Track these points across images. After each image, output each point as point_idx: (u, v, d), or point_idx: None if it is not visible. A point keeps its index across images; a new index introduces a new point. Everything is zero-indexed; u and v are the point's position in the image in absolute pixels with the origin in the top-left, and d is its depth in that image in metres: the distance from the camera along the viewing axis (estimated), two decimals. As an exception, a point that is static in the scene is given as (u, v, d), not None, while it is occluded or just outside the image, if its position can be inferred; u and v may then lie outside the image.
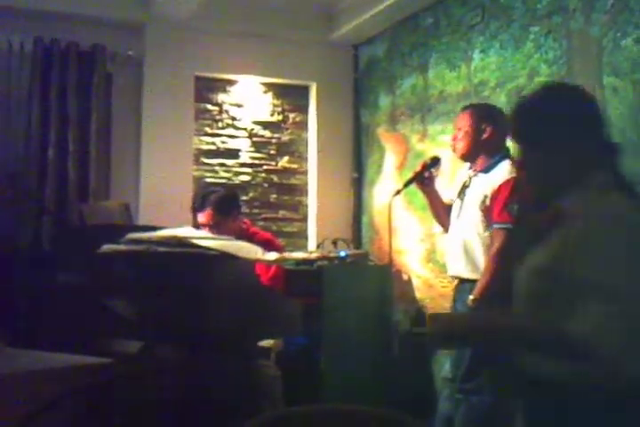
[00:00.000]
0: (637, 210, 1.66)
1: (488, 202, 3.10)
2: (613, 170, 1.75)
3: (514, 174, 3.06)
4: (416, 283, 4.58)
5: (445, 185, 3.99)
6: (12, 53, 4.57)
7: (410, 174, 3.50)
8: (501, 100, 3.81)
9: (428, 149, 4.41)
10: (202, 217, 3.83)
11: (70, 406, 2.14)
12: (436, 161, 3.41)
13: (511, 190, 3.03)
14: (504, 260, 3.02)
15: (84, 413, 2.23)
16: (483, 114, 3.27)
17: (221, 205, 3.83)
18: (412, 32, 4.72)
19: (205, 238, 3.09)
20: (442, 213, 3.43)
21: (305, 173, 5.37)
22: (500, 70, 3.87)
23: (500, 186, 3.07)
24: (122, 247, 2.96)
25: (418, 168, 3.41)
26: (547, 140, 1.74)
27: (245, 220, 4.23)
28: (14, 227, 4.46)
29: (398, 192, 3.49)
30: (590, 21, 3.27)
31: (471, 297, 3.07)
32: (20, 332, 3.57)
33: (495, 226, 3.07)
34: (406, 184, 3.46)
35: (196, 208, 3.88)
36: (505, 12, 3.84)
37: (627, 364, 1.52)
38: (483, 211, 3.13)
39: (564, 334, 1.54)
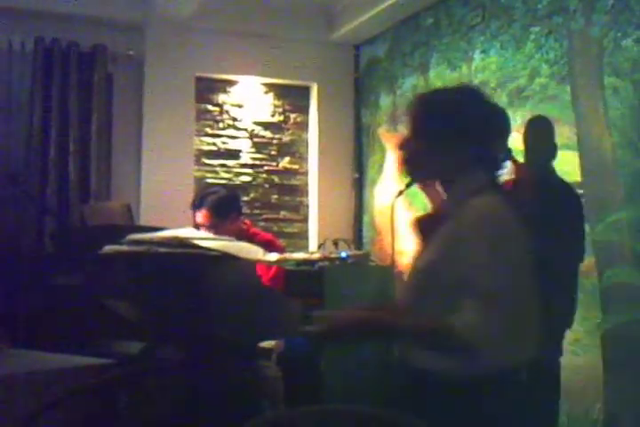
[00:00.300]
0: (508, 210, 1.72)
1: None
2: (492, 173, 1.82)
3: (513, 175, 3.07)
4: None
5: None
6: (13, 53, 4.57)
7: None
8: (502, 101, 3.81)
9: (429, 150, 4.41)
10: (199, 217, 3.82)
11: (71, 406, 2.14)
12: None
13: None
14: None
15: (86, 413, 2.23)
16: None
17: (218, 206, 3.80)
18: (413, 32, 4.72)
19: (206, 239, 3.09)
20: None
21: (306, 173, 5.37)
22: (500, 70, 3.87)
23: None
24: (123, 248, 2.96)
25: None
26: (435, 136, 1.80)
27: (246, 220, 4.22)
28: (15, 227, 4.46)
29: (401, 193, 3.48)
30: (591, 22, 3.27)
31: None
32: (22, 333, 3.57)
33: None
34: (408, 185, 3.45)
35: (195, 206, 3.87)
36: (506, 12, 3.84)
37: (503, 358, 1.63)
38: None
39: (446, 330, 1.62)
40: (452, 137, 1.78)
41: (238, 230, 3.84)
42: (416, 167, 1.88)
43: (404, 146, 1.88)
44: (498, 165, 1.85)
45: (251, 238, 3.65)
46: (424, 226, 1.91)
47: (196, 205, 3.83)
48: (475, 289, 1.63)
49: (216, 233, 3.64)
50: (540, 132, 3.50)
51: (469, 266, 1.65)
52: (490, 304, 1.61)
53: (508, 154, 3.21)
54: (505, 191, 1.80)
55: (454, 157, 1.79)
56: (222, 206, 3.81)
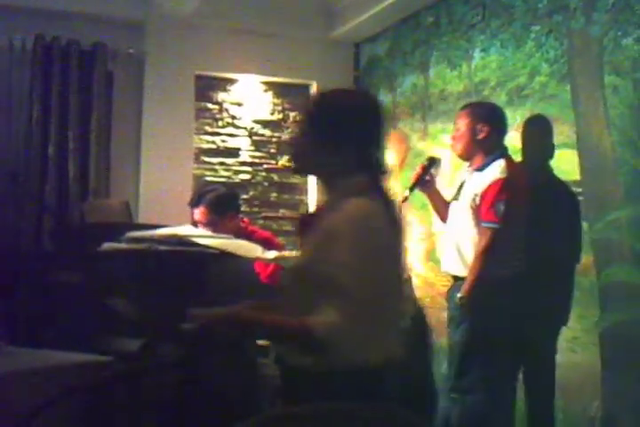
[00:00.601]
0: (378, 212, 1.76)
1: (478, 200, 3.12)
2: (374, 175, 1.85)
3: (505, 174, 3.09)
4: (416, 282, 4.58)
5: (447, 184, 3.99)
6: (13, 51, 4.57)
7: (411, 176, 3.49)
8: (502, 100, 3.81)
9: (429, 148, 4.42)
10: (196, 214, 3.83)
11: (71, 403, 2.15)
12: (433, 162, 3.43)
13: (499, 189, 3.05)
14: (490, 259, 3.04)
15: (85, 410, 2.23)
16: (480, 113, 3.28)
17: (216, 204, 3.81)
18: (414, 30, 4.72)
19: (205, 237, 3.09)
20: (445, 212, 3.43)
21: (305, 171, 5.36)
22: (500, 69, 3.87)
23: (490, 185, 3.09)
24: (122, 246, 2.96)
25: (418, 170, 3.41)
26: (321, 135, 1.85)
27: (244, 219, 4.22)
28: (15, 225, 4.46)
29: (406, 199, 3.49)
30: (591, 20, 3.27)
31: (459, 295, 3.09)
32: (21, 330, 3.57)
33: (482, 225, 3.09)
34: (411, 189, 3.47)
35: (193, 204, 3.87)
36: (506, 10, 3.84)
37: (359, 356, 1.67)
38: (473, 209, 3.15)
39: (303, 329, 1.66)
40: (336, 138, 1.83)
41: (236, 228, 3.84)
42: (301, 163, 1.94)
43: (293, 142, 1.94)
44: (380, 168, 1.89)
45: (249, 236, 3.65)
46: (304, 225, 1.94)
47: (195, 203, 3.84)
48: (332, 288, 1.66)
49: (214, 231, 3.64)
50: (537, 132, 3.50)
51: (330, 265, 1.68)
52: (346, 304, 1.64)
53: (503, 152, 3.23)
54: (383, 194, 1.83)
55: (337, 157, 1.83)
56: (220, 204, 3.82)
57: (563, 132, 3.39)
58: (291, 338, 1.75)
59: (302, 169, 2.01)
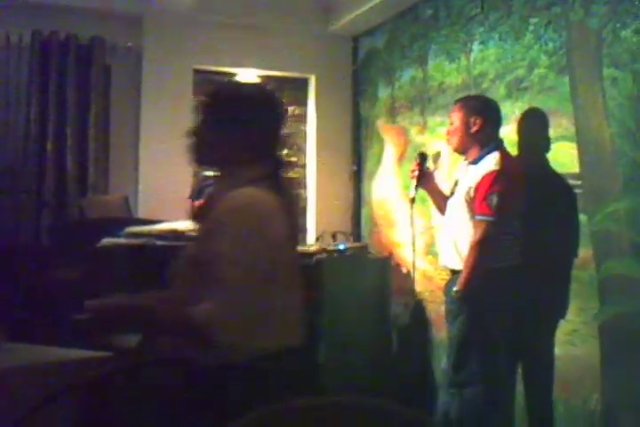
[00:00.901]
0: (266, 202, 1.79)
1: (472, 193, 3.13)
2: (268, 167, 1.89)
3: (498, 166, 3.09)
4: (415, 276, 4.58)
5: (446, 178, 3.99)
6: (11, 46, 4.56)
7: (409, 174, 3.49)
8: (501, 92, 3.80)
9: (428, 142, 4.41)
10: (197, 208, 3.84)
11: (70, 400, 2.14)
12: (423, 157, 3.44)
13: (492, 182, 3.05)
14: (484, 251, 3.04)
15: (84, 407, 2.23)
16: (473, 107, 3.29)
17: None
18: (412, 23, 4.70)
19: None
20: (443, 205, 3.43)
21: (304, 166, 5.36)
22: (499, 62, 3.86)
23: (483, 177, 3.09)
24: (121, 241, 2.96)
25: (414, 169, 3.41)
26: (217, 127, 1.89)
27: None
28: (13, 221, 4.46)
29: (413, 200, 3.48)
30: (590, 12, 3.26)
31: (455, 289, 3.09)
32: (20, 326, 3.56)
33: (476, 217, 3.09)
34: (416, 188, 3.47)
35: (194, 197, 3.89)
36: (504, 3, 3.83)
37: (243, 346, 1.70)
38: (467, 202, 3.15)
39: (185, 319, 1.68)
40: (233, 129, 1.87)
41: None
42: (199, 154, 1.95)
43: (191, 133, 1.95)
44: (276, 160, 1.94)
45: None
46: (199, 215, 1.98)
47: (196, 196, 3.86)
48: (213, 276, 1.68)
49: None
50: (533, 125, 3.50)
51: (213, 255, 1.70)
52: (224, 292, 1.66)
53: (498, 145, 3.24)
54: (278, 185, 1.87)
55: (234, 149, 1.87)
56: None
57: (561, 125, 3.38)
58: (172, 327, 1.77)
59: (200, 160, 2.01)
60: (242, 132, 1.86)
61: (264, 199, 1.78)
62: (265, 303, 1.73)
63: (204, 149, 1.92)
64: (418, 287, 4.53)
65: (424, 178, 3.44)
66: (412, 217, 3.56)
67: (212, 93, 1.99)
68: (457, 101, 3.41)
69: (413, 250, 3.68)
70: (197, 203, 3.85)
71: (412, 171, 3.42)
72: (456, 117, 3.30)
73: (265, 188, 1.81)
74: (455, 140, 3.31)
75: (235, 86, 1.96)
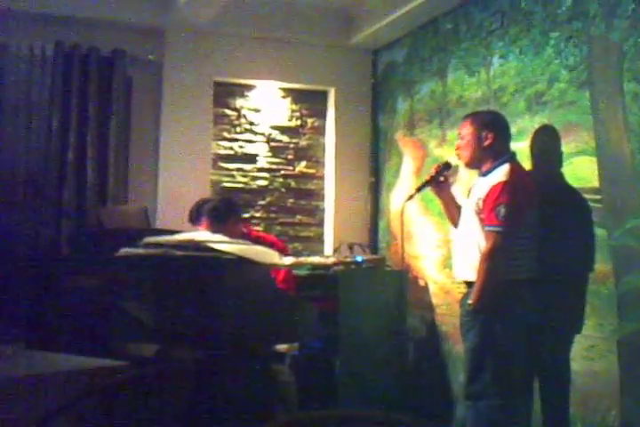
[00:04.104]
0: None
1: (481, 204, 3.13)
2: None
3: (507, 177, 3.09)
4: (432, 289, 4.56)
5: (462, 192, 3.98)
6: (34, 58, 4.61)
7: (425, 179, 3.52)
8: (521, 106, 3.80)
9: (447, 155, 4.40)
10: (201, 228, 3.82)
11: (87, 408, 2.15)
12: (447, 165, 3.47)
13: (499, 192, 3.05)
14: (496, 262, 3.03)
15: (101, 415, 2.23)
16: (483, 121, 3.30)
17: (217, 212, 3.83)
18: (432, 37, 4.71)
19: (222, 242, 3.10)
20: (457, 218, 3.43)
21: (322, 177, 5.37)
22: (519, 76, 3.86)
23: (491, 188, 3.09)
24: (139, 251, 2.97)
25: (431, 172, 3.46)
26: None
27: (245, 225, 4.22)
28: (34, 230, 4.49)
29: (410, 197, 3.53)
30: (611, 27, 3.25)
31: (469, 302, 3.08)
32: (38, 334, 3.58)
33: (486, 228, 3.09)
34: (418, 189, 3.52)
35: (194, 221, 3.88)
36: (525, 17, 3.83)
37: None
38: (477, 214, 3.15)
39: None
40: None
41: (240, 234, 3.85)
42: None
43: None
44: None
45: (255, 241, 3.66)
46: None
47: (196, 217, 3.85)
48: None
49: None
50: (546, 141, 3.51)
51: None
52: None
53: (510, 157, 3.25)
54: None
55: None
56: (220, 212, 3.84)
57: (582, 139, 3.37)
58: None
59: None
60: None
61: None
62: None
63: None
64: (435, 300, 4.51)
65: (439, 186, 3.46)
66: (402, 212, 3.66)
67: None
68: (466, 117, 3.43)
69: (402, 246, 3.67)
70: (198, 223, 3.83)
71: (430, 174, 3.45)
72: (467, 132, 3.31)
73: None
74: (467, 154, 3.32)
75: None
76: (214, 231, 3.71)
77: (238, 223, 3.96)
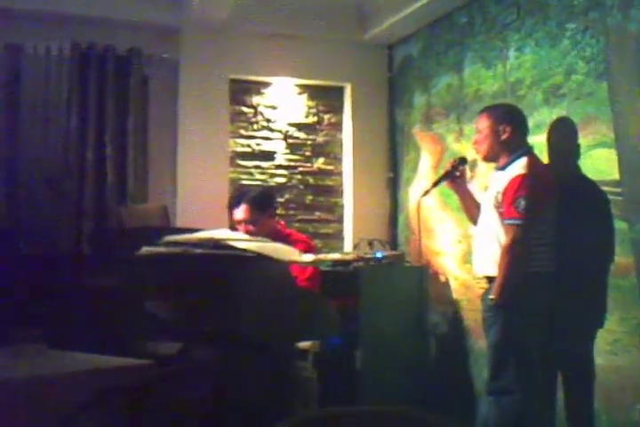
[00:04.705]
0: None
1: (500, 198, 3.12)
2: None
3: (525, 170, 3.08)
4: (453, 284, 4.55)
5: (480, 186, 3.97)
6: (51, 58, 4.64)
7: (441, 174, 3.52)
8: (538, 99, 3.77)
9: (464, 149, 4.38)
10: (239, 213, 3.86)
11: (110, 406, 2.16)
12: (463, 160, 3.47)
13: (519, 185, 3.04)
14: (517, 255, 3.02)
15: (124, 413, 2.25)
16: (500, 114, 3.30)
17: (259, 201, 3.87)
18: (447, 31, 4.69)
19: (242, 240, 3.10)
20: (475, 213, 3.42)
21: (340, 174, 5.37)
22: (536, 68, 3.83)
23: (510, 181, 3.09)
24: (160, 249, 2.98)
25: (447, 167, 3.47)
26: None
27: (281, 221, 4.25)
28: (54, 230, 4.52)
29: (427, 192, 3.53)
30: (628, 17, 3.22)
31: (491, 297, 3.07)
32: (61, 334, 3.61)
33: (505, 222, 3.08)
34: (434, 184, 3.52)
35: (233, 205, 3.92)
36: (541, 9, 3.80)
37: None
38: (496, 208, 3.14)
39: None
40: None
41: (274, 229, 3.88)
42: None
43: None
44: None
45: (285, 239, 3.67)
46: None
47: (236, 202, 3.89)
48: None
49: (255, 228, 3.70)
50: (564, 133, 3.49)
51: None
52: None
53: (527, 150, 3.24)
54: None
55: None
56: (262, 200, 3.89)
57: (600, 131, 3.35)
58: None
59: None
60: None
61: None
62: None
63: None
64: (456, 296, 4.50)
65: (457, 179, 3.46)
66: (418, 211, 3.75)
67: None
68: (482, 110, 3.42)
69: (419, 242, 3.80)
70: (237, 209, 3.87)
71: (446, 168, 3.46)
72: (484, 126, 3.30)
73: None
74: (484, 148, 3.31)
75: None
76: (251, 220, 3.76)
77: (274, 217, 4.00)
